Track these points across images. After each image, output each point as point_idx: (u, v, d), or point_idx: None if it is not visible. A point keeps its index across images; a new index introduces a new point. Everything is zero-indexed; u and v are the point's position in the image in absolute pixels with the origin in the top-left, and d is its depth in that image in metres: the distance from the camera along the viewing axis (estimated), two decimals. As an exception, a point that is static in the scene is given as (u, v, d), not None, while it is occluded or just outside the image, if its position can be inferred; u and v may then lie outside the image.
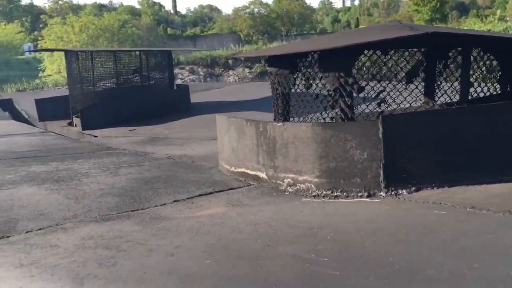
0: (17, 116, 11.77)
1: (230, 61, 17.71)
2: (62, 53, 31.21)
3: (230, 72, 17.65)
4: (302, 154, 3.70)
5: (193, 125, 8.64)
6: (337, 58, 3.65)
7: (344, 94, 3.71)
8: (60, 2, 54.88)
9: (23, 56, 50.33)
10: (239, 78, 17.43)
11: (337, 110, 3.88)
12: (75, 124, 9.72)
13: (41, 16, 50.40)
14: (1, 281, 2.35)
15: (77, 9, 50.84)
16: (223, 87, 14.57)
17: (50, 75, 31.64)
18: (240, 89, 13.69)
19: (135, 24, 51.77)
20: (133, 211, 3.55)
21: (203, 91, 12.97)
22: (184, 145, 6.61)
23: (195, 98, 11.59)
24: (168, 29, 55.74)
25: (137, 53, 10.70)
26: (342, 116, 3.80)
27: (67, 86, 19.23)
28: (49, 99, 11.50)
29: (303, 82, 4.03)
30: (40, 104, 10.90)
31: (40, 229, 3.20)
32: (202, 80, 17.31)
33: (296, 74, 4.14)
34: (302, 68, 4.03)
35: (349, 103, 3.74)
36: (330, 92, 3.78)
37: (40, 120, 10.71)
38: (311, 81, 4.01)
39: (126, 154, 5.99)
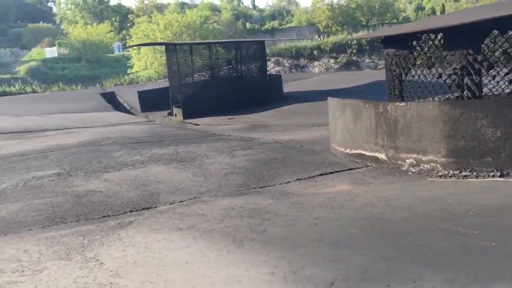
0: (119, 107, 12.62)
1: (315, 52, 17.70)
2: (149, 50, 32.72)
3: (315, 63, 17.65)
4: (426, 134, 3.67)
5: (290, 113, 8.79)
6: (465, 35, 3.57)
7: (472, 72, 3.64)
8: (146, 1, 57.55)
9: (113, 54, 53.32)
10: (324, 69, 17.38)
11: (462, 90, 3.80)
12: (175, 114, 10.25)
13: (129, 16, 53.00)
14: (168, 241, 2.60)
15: (161, 8, 52.97)
16: (311, 77, 14.63)
17: (137, 71, 33.22)
18: (329, 79, 13.67)
19: (216, 19, 53.14)
20: (261, 187, 3.73)
21: (292, 81, 13.11)
22: (287, 131, 6.75)
23: (285, 88, 11.75)
24: (247, 23, 56.56)
25: (232, 44, 11.05)
26: (469, 95, 3.72)
27: (159, 80, 20.32)
28: (150, 91, 12.21)
29: (425, 61, 3.98)
30: (143, 95, 11.61)
31: (181, 201, 3.46)
32: (287, 71, 17.50)
33: (415, 54, 4.10)
34: (424, 47, 3.99)
35: (477, 81, 3.65)
36: (456, 71, 3.71)
37: (142, 111, 11.40)
38: (433, 61, 3.96)
39: (233, 140, 6.25)
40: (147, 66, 32.75)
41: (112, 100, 13.19)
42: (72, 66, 50.07)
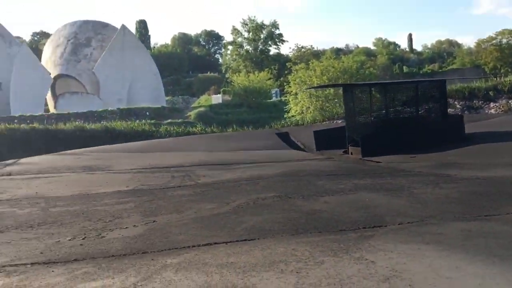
0: (293, 146, 13.44)
1: (491, 93, 16.71)
2: (306, 95, 33.90)
3: (492, 104, 16.63)
4: None
5: (479, 152, 8.49)
6: None
7: None
8: (303, 49, 60.44)
9: (271, 100, 56.30)
10: (502, 110, 16.26)
11: None
12: (351, 153, 10.59)
13: (287, 64, 55.97)
14: (422, 250, 2.85)
15: (318, 55, 54.91)
16: (491, 119, 13.85)
17: (293, 116, 34.50)
18: (512, 120, 12.79)
19: (371, 64, 53.30)
20: (487, 216, 3.79)
21: (469, 122, 12.58)
22: (484, 169, 6.57)
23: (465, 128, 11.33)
24: (404, 67, 55.62)
25: (410, 84, 11.14)
26: None
27: (324, 121, 21.07)
28: (325, 131, 12.83)
29: None
30: (318, 135, 12.24)
31: (409, 222, 3.71)
32: (459, 113, 16.73)
33: None
34: None
35: None
36: None
37: (317, 149, 12.00)
38: None
39: (428, 175, 6.31)
40: (303, 111, 33.89)
41: (286, 139, 14.09)
42: (234, 111, 54.08)
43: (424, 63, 58.60)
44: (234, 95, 58.54)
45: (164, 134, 17.49)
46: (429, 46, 74.60)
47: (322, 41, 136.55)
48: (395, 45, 72.79)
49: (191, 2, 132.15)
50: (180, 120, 48.50)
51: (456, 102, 17.54)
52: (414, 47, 73.11)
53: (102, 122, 30.56)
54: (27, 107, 49.88)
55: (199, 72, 72.86)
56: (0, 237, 3.85)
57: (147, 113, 50.71)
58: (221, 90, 64.43)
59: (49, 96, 63.14)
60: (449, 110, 17.38)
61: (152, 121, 31.61)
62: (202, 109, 56.93)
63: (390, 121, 10.65)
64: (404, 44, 74.71)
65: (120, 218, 4.55)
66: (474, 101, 17.07)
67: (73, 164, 9.43)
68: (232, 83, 57.75)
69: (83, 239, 3.77)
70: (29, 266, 3.03)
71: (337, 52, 62.31)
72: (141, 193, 6.02)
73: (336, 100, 32.98)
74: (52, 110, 60.93)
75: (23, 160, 10.26)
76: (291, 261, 2.78)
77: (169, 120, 40.19)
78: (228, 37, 75.56)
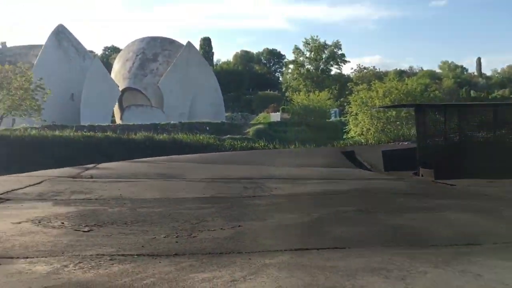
0: (359, 165, 13.31)
1: None
2: (366, 116, 33.43)
3: None
4: None
5: None
6: None
7: None
8: (364, 70, 59.86)
9: (330, 120, 55.95)
10: None
11: None
12: (421, 174, 10.36)
13: (348, 84, 55.59)
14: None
15: (380, 76, 54.14)
16: None
17: (353, 137, 34.06)
18: None
19: (436, 87, 51.88)
20: None
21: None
22: None
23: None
24: (472, 91, 53.71)
25: (487, 106, 10.79)
26: None
27: (389, 142, 20.69)
28: (395, 151, 12.65)
29: None
30: (387, 155, 12.09)
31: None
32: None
33: None
34: None
35: None
36: None
37: (385, 169, 11.83)
38: None
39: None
40: (363, 132, 33.39)
41: (351, 158, 13.98)
42: (293, 130, 54.12)
43: (493, 88, 56.22)
44: (293, 114, 58.72)
45: (228, 148, 17.86)
46: (499, 70, 71.61)
47: (385, 62, 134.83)
48: (462, 68, 70.54)
49: (254, 23, 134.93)
50: (239, 136, 49.22)
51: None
52: (483, 71, 70.50)
53: (164, 134, 31.56)
54: (95, 117, 52.40)
55: (259, 89, 73.81)
56: (100, 231, 4.11)
57: (207, 128, 51.76)
58: (280, 108, 64.84)
59: (116, 108, 66.07)
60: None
61: (212, 136, 32.29)
62: (260, 126, 57.48)
63: (465, 144, 10.34)
64: (472, 68, 72.17)
65: (205, 221, 4.72)
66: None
67: (148, 171, 9.85)
68: (291, 101, 57.96)
69: (176, 237, 3.95)
70: (136, 256, 3.22)
71: (401, 74, 61.19)
72: (219, 201, 6.20)
73: (398, 122, 32.32)
74: (118, 121, 63.67)
75: (101, 165, 10.82)
76: (392, 268, 2.80)
77: (228, 136, 40.91)
78: (289, 56, 76.21)
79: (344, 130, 35.92)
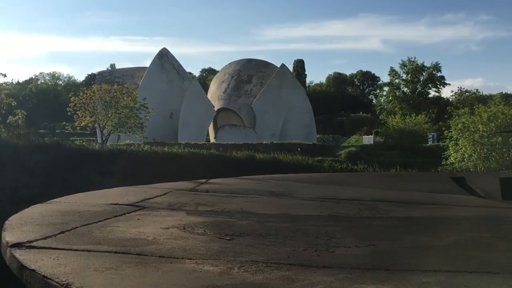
0: (470, 192, 12.61)
1: None
2: (468, 143, 31.52)
3: None
4: None
5: None
6: None
7: None
8: (466, 93, 56.92)
9: (427, 144, 53.62)
10: None
11: None
12: (547, 205, 9.59)
13: (447, 108, 53.08)
14: None
15: (484, 100, 51.16)
16: None
17: (453, 163, 32.33)
18: None
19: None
20: None
21: None
22: None
23: None
24: None
25: None
26: None
27: (502, 170, 19.38)
28: (514, 178, 11.85)
29: None
30: (506, 182, 11.36)
31: None
32: None
33: None
34: None
35: None
36: None
37: (504, 197, 11.09)
38: None
39: None
40: (464, 158, 31.66)
41: (462, 185, 13.29)
42: (386, 153, 52.63)
43: None
44: (387, 137, 57.18)
45: (327, 169, 17.83)
46: None
47: (488, 85, 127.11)
48: None
49: (348, 45, 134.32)
50: (330, 158, 48.84)
51: None
52: None
53: (257, 153, 32.18)
54: (192, 136, 54.91)
55: (351, 112, 72.99)
56: (241, 240, 4.33)
57: (299, 149, 51.99)
58: (373, 131, 63.36)
59: (210, 127, 68.68)
60: None
61: (309, 157, 32.36)
62: (353, 148, 56.60)
63: None
64: None
65: (335, 238, 4.78)
66: None
67: (258, 188, 10.13)
68: (385, 124, 56.46)
69: (315, 251, 4.05)
70: (288, 265, 3.36)
71: (507, 98, 57.30)
72: (339, 220, 6.23)
73: (505, 149, 30.24)
74: (212, 140, 66.06)
75: (211, 180, 11.32)
76: None
77: (319, 158, 40.75)
78: (384, 78, 74.79)
79: (442, 156, 34.37)
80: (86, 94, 40.31)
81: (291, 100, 63.64)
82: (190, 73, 78.41)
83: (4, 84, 27.13)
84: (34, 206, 5.59)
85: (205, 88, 71.72)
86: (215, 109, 65.40)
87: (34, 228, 4.05)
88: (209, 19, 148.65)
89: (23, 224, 4.22)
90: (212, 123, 66.37)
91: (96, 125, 42.42)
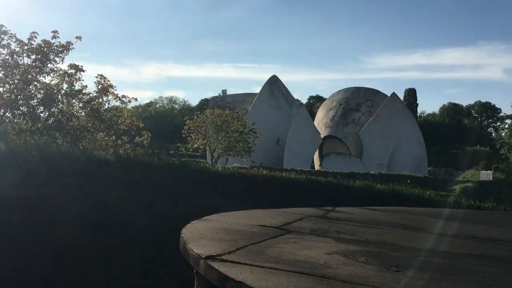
0: None
1: None
2: None
3: None
4: None
5: None
6: None
7: None
8: None
9: (558, 184, 48.71)
10: None
11: None
12: None
13: None
14: None
15: None
16: None
17: None
18: None
19: None
20: None
21: None
22: None
23: None
24: None
25: None
26: None
27: None
28: None
29: None
30: None
31: None
32: None
33: None
34: None
35: None
36: None
37: None
38: None
39: None
40: None
41: None
42: (509, 191, 48.65)
43: None
44: (508, 174, 52.94)
45: (451, 204, 16.84)
46: None
47: None
48: None
49: (465, 74, 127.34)
50: (443, 193, 46.09)
51: None
52: None
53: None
54: (297, 162, 55.16)
55: (467, 145, 68.56)
56: (407, 272, 4.25)
57: (408, 181, 49.88)
58: (493, 166, 58.99)
59: (316, 154, 68.48)
60: None
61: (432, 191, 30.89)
62: (469, 184, 53.08)
63: None
64: None
65: (504, 280, 4.50)
66: None
67: (387, 220, 9.86)
68: (507, 160, 52.32)
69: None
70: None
71: None
72: (495, 260, 5.84)
73: None
74: (317, 167, 65.73)
75: (337, 208, 11.25)
76: None
77: (430, 191, 38.61)
78: (506, 109, 69.35)
79: None
80: (200, 118, 42.67)
81: (401, 130, 61.64)
82: (298, 100, 79.52)
83: (133, 108, 29.72)
84: (193, 222, 5.97)
85: (312, 115, 72.14)
86: (322, 136, 65.38)
87: (211, 244, 4.33)
88: (317, 46, 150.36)
89: (199, 239, 4.55)
90: (317, 150, 66.29)
91: (207, 147, 44.55)
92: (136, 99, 24.90)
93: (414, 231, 8.61)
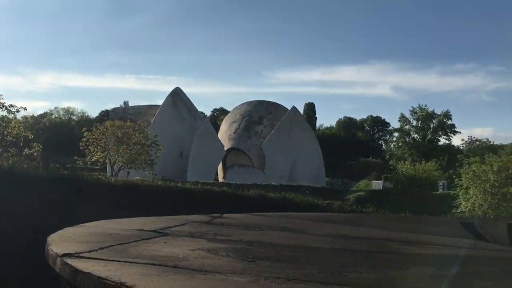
0: (480, 237, 12.82)
1: None
2: (479, 191, 31.43)
3: None
4: None
5: None
6: None
7: None
8: (477, 142, 57.19)
9: (437, 192, 53.32)
10: None
11: None
12: (554, 250, 9.80)
13: (458, 156, 53.12)
14: None
15: (495, 149, 51.22)
16: None
17: (463, 212, 32.14)
18: None
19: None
20: None
21: None
22: None
23: None
24: None
25: None
26: None
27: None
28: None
29: None
30: (512, 227, 11.61)
31: None
32: None
33: None
34: None
35: None
36: None
37: (511, 243, 11.32)
38: None
39: None
40: (474, 208, 31.52)
41: (471, 230, 13.50)
42: (396, 200, 52.40)
43: None
44: (397, 183, 57.01)
45: (336, 209, 18.12)
46: None
47: (499, 135, 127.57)
48: None
49: (359, 91, 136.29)
50: (339, 202, 48.61)
51: None
52: None
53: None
54: (200, 175, 55.09)
55: (360, 156, 73.26)
56: (261, 263, 4.71)
57: (307, 191, 51.95)
58: (383, 176, 63.19)
59: (220, 167, 68.81)
60: None
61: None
62: (362, 193, 56.32)
63: None
64: None
65: (348, 266, 5.13)
66: None
67: (270, 224, 10.46)
68: (395, 170, 56.46)
69: (330, 274, 4.41)
70: (307, 281, 3.73)
71: (521, 145, 57.36)
72: (351, 252, 6.56)
73: (516, 200, 30.18)
74: (220, 179, 66.06)
75: (225, 215, 11.67)
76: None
77: (328, 201, 40.72)
78: (394, 124, 75.47)
79: (453, 204, 34.27)
80: (99, 129, 41.15)
81: (300, 142, 64.11)
82: (201, 113, 79.69)
83: (23, 118, 28.09)
84: (66, 228, 6.01)
85: (216, 127, 72.55)
86: (225, 148, 65.89)
87: (75, 245, 4.47)
88: (222, 60, 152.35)
89: (64, 241, 4.65)
90: (221, 162, 66.67)
91: (107, 160, 43.03)
92: (25, 109, 23.61)
93: (291, 232, 9.27)
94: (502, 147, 53.40)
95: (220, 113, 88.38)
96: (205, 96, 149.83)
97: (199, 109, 76.15)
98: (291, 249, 6.36)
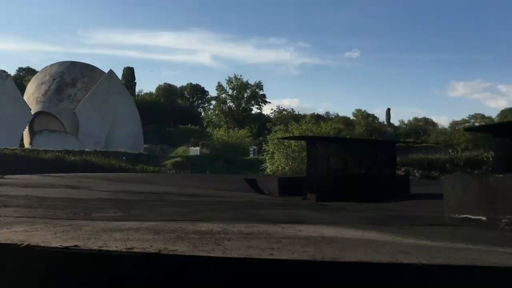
0: (260, 191, 14.60)
1: (447, 165, 18.48)
2: (283, 156, 34.90)
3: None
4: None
5: (418, 205, 9.77)
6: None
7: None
8: (284, 112, 62.92)
9: (249, 157, 57.27)
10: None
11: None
12: (308, 199, 11.82)
13: (267, 124, 57.70)
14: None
15: (298, 119, 56.94)
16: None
17: (269, 175, 35.35)
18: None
19: (349, 133, 55.62)
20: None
21: (420, 186, 13.99)
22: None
23: (416, 190, 12.61)
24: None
25: (366, 143, 12.69)
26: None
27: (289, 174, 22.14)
28: (289, 178, 14.12)
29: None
30: (282, 181, 13.48)
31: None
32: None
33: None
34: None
35: None
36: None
37: (280, 195, 13.18)
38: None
39: (360, 211, 7.58)
40: (278, 170, 34.76)
41: (254, 186, 15.29)
42: (210, 164, 54.72)
43: (399, 137, 61.32)
44: (212, 149, 59.17)
45: (139, 172, 18.55)
46: (406, 122, 78.31)
47: (303, 106, 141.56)
48: (374, 117, 76.18)
49: (180, 58, 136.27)
50: (157, 168, 48.94)
51: (415, 171, 19.18)
52: (391, 121, 76.77)
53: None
54: (3, 139, 49.81)
55: (180, 123, 74.33)
56: (11, 211, 4.91)
57: (124, 158, 50.96)
58: (200, 143, 65.07)
59: (26, 132, 62.94)
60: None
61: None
62: (179, 159, 57.34)
63: (345, 174, 12.03)
64: (382, 118, 78.35)
65: (101, 209, 5.65)
66: (432, 172, 18.73)
67: (56, 183, 10.44)
68: (211, 137, 58.70)
69: (74, 214, 4.85)
70: (39, 218, 4.11)
71: (317, 118, 64.57)
72: (118, 201, 7.10)
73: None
74: (27, 145, 60.55)
75: (7, 176, 11.19)
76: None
77: (142, 165, 40.77)
78: (212, 92, 78.29)
79: (261, 168, 37.22)
80: None
81: (118, 107, 62.01)
82: (4, 72, 71.34)
83: None
84: None
85: (22, 89, 65.75)
86: (32, 112, 60.42)
87: None
88: (30, 14, 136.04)
89: None
90: (28, 127, 61.04)
91: None
92: None
93: (74, 189, 9.44)
94: (304, 116, 59.58)
95: (27, 73, 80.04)
96: (10, 53, 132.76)
97: (2, 67, 68.07)
98: (56, 200, 6.60)
